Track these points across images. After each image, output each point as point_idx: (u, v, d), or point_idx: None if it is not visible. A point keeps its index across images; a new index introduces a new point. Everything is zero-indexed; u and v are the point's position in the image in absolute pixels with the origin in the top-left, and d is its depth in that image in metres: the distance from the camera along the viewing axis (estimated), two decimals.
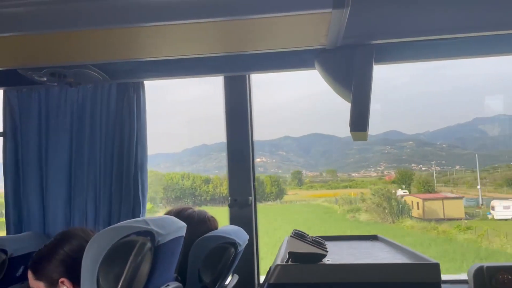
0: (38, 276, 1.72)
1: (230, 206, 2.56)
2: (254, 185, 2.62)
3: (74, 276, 1.61)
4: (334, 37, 1.92)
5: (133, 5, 1.67)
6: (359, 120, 2.00)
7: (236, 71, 2.54)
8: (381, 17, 2.04)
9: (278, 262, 1.71)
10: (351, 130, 2.01)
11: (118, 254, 1.35)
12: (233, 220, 2.54)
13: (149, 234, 1.39)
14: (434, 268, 1.61)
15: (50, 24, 1.70)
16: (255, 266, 2.57)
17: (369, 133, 2.11)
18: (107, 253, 1.34)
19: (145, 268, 1.40)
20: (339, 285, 1.64)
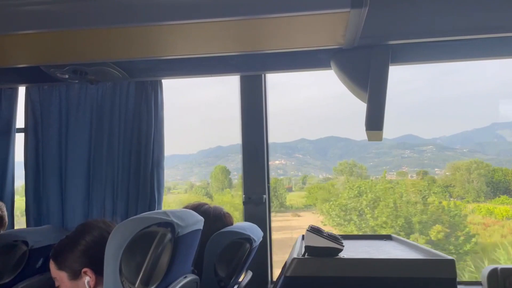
0: (60, 267, 1.72)
1: (244, 203, 2.59)
2: (268, 185, 2.63)
3: (96, 266, 1.63)
4: (351, 37, 1.92)
5: (153, 4, 1.70)
6: (375, 120, 2.01)
7: (252, 71, 2.56)
8: (399, 17, 2.04)
9: (295, 255, 1.73)
10: (366, 129, 2.02)
11: (140, 243, 1.39)
12: (247, 218, 2.56)
13: (169, 225, 1.43)
14: (450, 264, 1.60)
15: (72, 21, 1.74)
16: (269, 263, 2.59)
17: (385, 137, 2.11)
18: (129, 242, 1.38)
19: (165, 258, 1.44)
20: (354, 279, 1.65)
